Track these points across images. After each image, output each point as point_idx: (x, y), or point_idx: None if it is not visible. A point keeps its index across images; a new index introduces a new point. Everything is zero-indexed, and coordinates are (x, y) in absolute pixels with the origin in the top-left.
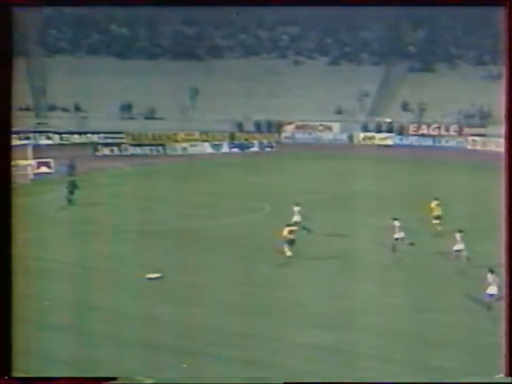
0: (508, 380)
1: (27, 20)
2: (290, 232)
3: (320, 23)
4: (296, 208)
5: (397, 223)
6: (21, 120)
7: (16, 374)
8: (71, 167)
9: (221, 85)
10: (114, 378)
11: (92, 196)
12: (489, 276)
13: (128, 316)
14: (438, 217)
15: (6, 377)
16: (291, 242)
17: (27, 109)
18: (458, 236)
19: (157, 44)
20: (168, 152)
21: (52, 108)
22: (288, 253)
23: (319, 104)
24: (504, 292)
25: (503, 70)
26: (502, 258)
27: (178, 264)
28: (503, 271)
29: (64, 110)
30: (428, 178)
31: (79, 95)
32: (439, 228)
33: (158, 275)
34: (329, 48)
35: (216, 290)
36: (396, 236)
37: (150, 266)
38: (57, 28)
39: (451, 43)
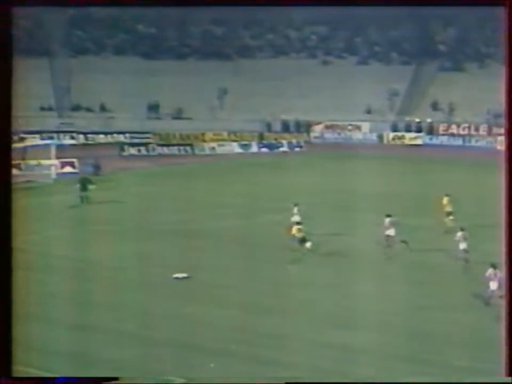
0: (508, 380)
1: (51, 21)
2: (299, 230)
3: (349, 22)
4: (295, 208)
5: (387, 220)
6: (44, 120)
7: (44, 373)
8: (96, 167)
9: (250, 84)
10: (116, 378)
11: (118, 195)
12: (491, 271)
13: (155, 316)
14: (449, 213)
15: (6, 377)
16: (303, 241)
17: (50, 109)
18: (460, 234)
19: (185, 43)
20: (196, 152)
21: (76, 108)
22: (304, 250)
23: (349, 104)
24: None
25: None
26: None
27: (206, 264)
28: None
29: (89, 110)
30: (457, 178)
31: (104, 95)
32: (450, 224)
33: (185, 275)
34: (359, 47)
35: (242, 290)
36: (387, 233)
37: (177, 266)
38: (82, 29)
39: (481, 42)
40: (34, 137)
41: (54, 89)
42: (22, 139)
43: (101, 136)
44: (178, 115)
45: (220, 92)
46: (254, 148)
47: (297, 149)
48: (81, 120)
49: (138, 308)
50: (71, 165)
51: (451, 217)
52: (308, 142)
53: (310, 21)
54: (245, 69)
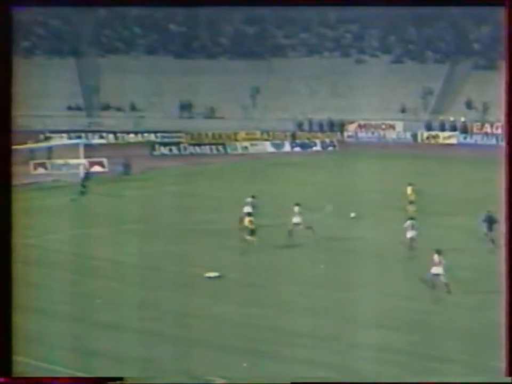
0: (508, 380)
1: (79, 20)
2: (250, 222)
3: (383, 21)
4: (296, 208)
5: (296, 209)
6: (71, 120)
7: (76, 372)
8: (127, 166)
9: (283, 83)
10: (120, 379)
11: (149, 195)
12: (436, 257)
13: (187, 315)
14: (412, 202)
15: (6, 377)
16: (252, 232)
17: (78, 109)
18: (409, 222)
19: (217, 43)
20: (229, 151)
21: (105, 108)
22: (252, 242)
23: (382, 103)
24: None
25: None
26: None
27: (237, 264)
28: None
29: (119, 109)
30: (490, 178)
31: (135, 94)
32: (411, 213)
33: (216, 274)
34: (392, 46)
35: (275, 290)
36: (294, 220)
37: (208, 265)
38: (112, 28)
39: None
40: (61, 137)
41: (82, 88)
42: (47, 138)
43: (131, 135)
44: (210, 114)
45: (253, 91)
46: (287, 147)
47: (330, 148)
48: (110, 120)
49: (170, 307)
50: (100, 164)
51: (413, 207)
52: (341, 142)
53: (343, 19)
54: (277, 68)
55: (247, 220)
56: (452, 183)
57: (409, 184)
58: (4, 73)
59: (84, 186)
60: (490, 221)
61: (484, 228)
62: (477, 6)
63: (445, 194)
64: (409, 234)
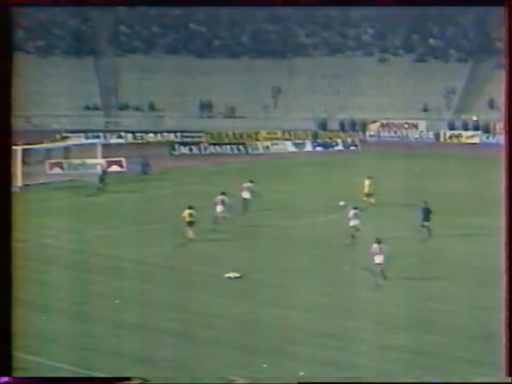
0: (508, 380)
1: (96, 20)
2: (190, 215)
3: (406, 19)
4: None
5: (222, 198)
6: (89, 119)
7: (98, 373)
8: (146, 166)
9: (304, 83)
10: (128, 379)
11: (169, 194)
12: (375, 246)
13: (207, 315)
14: (369, 195)
15: (6, 377)
16: (190, 224)
17: (96, 108)
18: (352, 212)
19: (239, 42)
20: (250, 151)
21: (124, 107)
22: (190, 235)
23: (405, 102)
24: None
25: None
26: None
27: (258, 264)
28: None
29: (137, 109)
30: None
31: (154, 94)
32: (368, 205)
33: (237, 274)
34: (415, 45)
35: (296, 290)
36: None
37: (229, 266)
38: (130, 27)
39: None
40: (78, 136)
41: (100, 88)
42: (64, 138)
43: (150, 135)
44: (231, 114)
45: (274, 91)
46: (309, 147)
47: (352, 148)
48: (129, 119)
49: (191, 307)
50: (119, 164)
51: (371, 199)
52: (363, 141)
53: (365, 18)
54: (299, 67)
55: (186, 212)
56: (474, 182)
57: (368, 177)
58: (4, 73)
59: (101, 182)
60: (426, 212)
61: (421, 218)
62: (477, 6)
63: (466, 193)
64: (352, 223)
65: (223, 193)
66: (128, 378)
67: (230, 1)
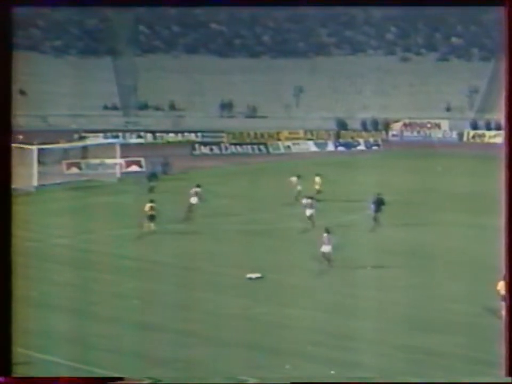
0: (508, 379)
1: (115, 20)
2: (151, 208)
3: (428, 18)
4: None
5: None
6: (107, 119)
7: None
8: (166, 166)
9: (326, 82)
10: (121, 378)
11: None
12: (325, 236)
13: (228, 316)
14: (319, 192)
15: (6, 377)
16: (151, 218)
17: (114, 108)
18: (305, 201)
19: (260, 41)
20: (271, 151)
21: (143, 107)
22: (150, 227)
23: (427, 101)
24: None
25: None
26: None
27: (279, 264)
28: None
29: (157, 108)
30: None
31: (174, 93)
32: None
33: (258, 275)
34: (438, 43)
35: (316, 291)
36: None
37: (250, 266)
38: (150, 27)
39: None
40: (96, 136)
41: (119, 88)
42: (82, 138)
43: (171, 135)
44: (252, 113)
45: (296, 90)
46: (331, 147)
47: (374, 148)
48: (148, 119)
49: (212, 308)
50: (138, 163)
51: (320, 196)
52: (385, 141)
53: (388, 17)
54: (321, 67)
55: (148, 205)
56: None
57: (317, 175)
58: (4, 73)
59: (151, 180)
60: (378, 203)
61: (372, 209)
62: (477, 5)
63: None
64: (308, 212)
65: (198, 186)
66: (121, 378)
67: (250, 0)
